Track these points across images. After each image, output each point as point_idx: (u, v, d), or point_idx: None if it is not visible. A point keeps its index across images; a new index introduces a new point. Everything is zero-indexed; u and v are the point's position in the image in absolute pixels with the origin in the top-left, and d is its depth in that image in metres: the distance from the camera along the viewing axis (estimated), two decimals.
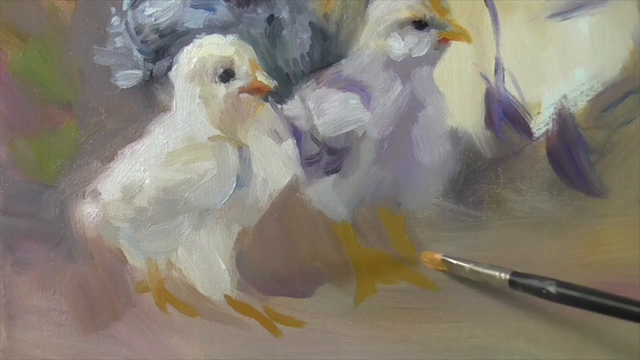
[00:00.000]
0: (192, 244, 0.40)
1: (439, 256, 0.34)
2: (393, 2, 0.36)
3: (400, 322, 0.36)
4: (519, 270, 0.31)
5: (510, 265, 0.33)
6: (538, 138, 0.33)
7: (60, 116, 0.44)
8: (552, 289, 0.29)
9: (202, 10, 0.39)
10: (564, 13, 0.33)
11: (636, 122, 0.32)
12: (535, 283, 0.30)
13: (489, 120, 0.34)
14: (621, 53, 0.32)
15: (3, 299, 0.46)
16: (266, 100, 0.38)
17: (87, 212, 0.43)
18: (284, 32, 0.38)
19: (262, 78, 0.38)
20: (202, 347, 0.40)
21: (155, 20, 0.40)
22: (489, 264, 0.32)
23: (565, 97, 0.33)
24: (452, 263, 0.34)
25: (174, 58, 0.40)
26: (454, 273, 0.34)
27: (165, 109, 0.40)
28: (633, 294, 0.31)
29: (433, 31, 0.35)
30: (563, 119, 0.33)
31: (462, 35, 0.35)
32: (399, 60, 0.36)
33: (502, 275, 0.31)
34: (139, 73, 0.41)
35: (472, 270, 0.33)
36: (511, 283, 0.31)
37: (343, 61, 0.37)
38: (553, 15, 0.33)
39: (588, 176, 0.32)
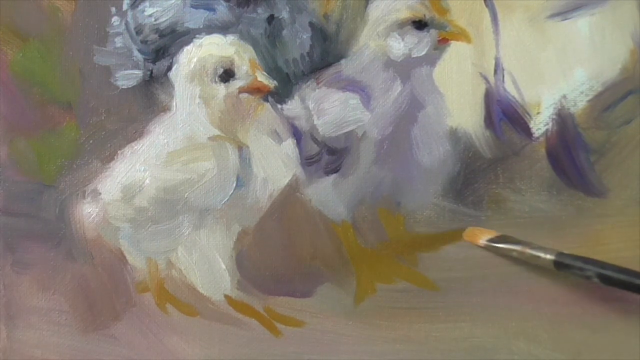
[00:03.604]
0: (192, 244, 0.40)
1: (482, 242, 0.34)
2: (393, 2, 0.36)
3: (400, 322, 0.36)
4: (563, 252, 0.31)
5: (509, 265, 0.33)
6: (537, 138, 0.33)
7: (60, 116, 0.44)
8: (594, 276, 0.29)
9: (202, 10, 0.40)
10: (563, 13, 0.33)
11: (636, 122, 0.32)
12: (578, 265, 0.30)
13: (489, 120, 0.34)
14: (621, 53, 0.32)
15: (3, 299, 0.46)
16: (266, 100, 0.38)
17: (87, 212, 0.43)
18: (284, 32, 0.38)
19: (262, 78, 0.38)
20: (202, 347, 0.40)
21: (155, 20, 0.40)
22: (534, 244, 0.32)
23: (564, 97, 0.33)
24: (497, 247, 0.33)
25: (174, 58, 0.40)
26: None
27: (165, 109, 0.40)
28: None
29: (433, 31, 0.35)
30: (563, 118, 0.33)
31: (461, 35, 0.35)
32: (399, 60, 0.36)
33: (548, 255, 0.31)
34: (139, 73, 0.41)
35: (520, 253, 0.33)
36: (556, 264, 0.31)
37: (343, 61, 0.37)
38: (553, 15, 0.33)
39: (588, 176, 0.32)
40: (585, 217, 0.32)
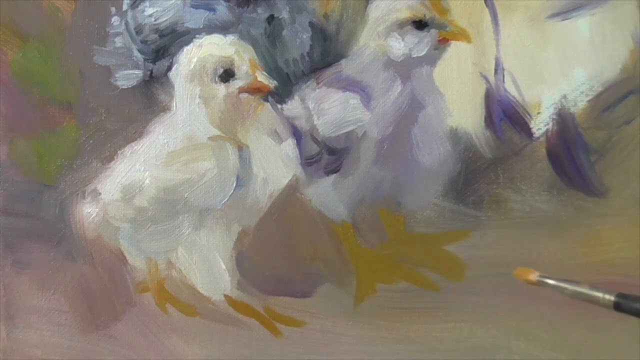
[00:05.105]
0: (192, 244, 0.40)
1: (534, 277, 0.33)
2: (393, 2, 0.36)
3: (400, 322, 0.36)
4: (624, 292, 0.30)
5: (509, 265, 0.33)
6: (538, 138, 0.33)
7: (60, 116, 0.44)
8: None
9: (202, 10, 0.40)
10: (564, 13, 0.33)
11: (636, 122, 0.32)
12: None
13: (489, 120, 0.34)
14: (621, 53, 0.32)
15: (3, 299, 0.46)
16: (266, 100, 0.38)
17: (87, 212, 0.43)
18: (284, 32, 0.38)
19: (262, 78, 0.38)
20: (202, 347, 0.40)
21: (155, 20, 0.40)
22: (589, 285, 0.32)
23: (565, 97, 0.33)
24: (549, 283, 0.33)
25: (174, 58, 0.40)
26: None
27: (165, 109, 0.40)
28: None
29: (433, 31, 0.35)
30: (563, 118, 0.33)
31: (462, 35, 0.35)
32: (399, 60, 0.36)
33: (607, 297, 0.30)
34: (139, 73, 0.41)
35: (574, 291, 0.32)
36: (616, 306, 0.29)
37: (343, 61, 0.37)
38: (553, 15, 0.33)
39: (588, 176, 0.32)
40: (585, 217, 0.32)
